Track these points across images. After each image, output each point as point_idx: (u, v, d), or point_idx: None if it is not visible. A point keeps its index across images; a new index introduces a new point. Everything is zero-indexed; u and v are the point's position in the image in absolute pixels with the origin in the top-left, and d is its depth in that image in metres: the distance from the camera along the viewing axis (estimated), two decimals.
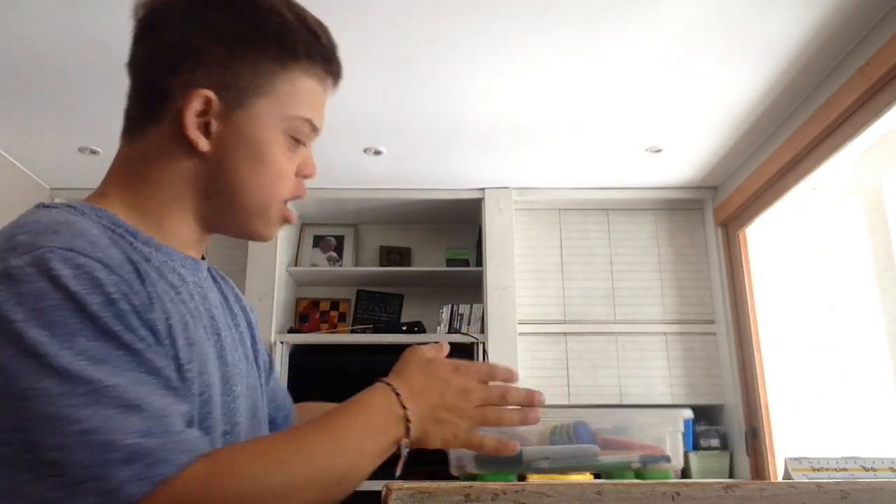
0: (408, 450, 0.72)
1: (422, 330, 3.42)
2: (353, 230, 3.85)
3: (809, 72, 2.51)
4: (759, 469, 3.06)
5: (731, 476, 3.23)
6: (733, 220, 3.37)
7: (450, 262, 3.68)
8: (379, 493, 0.54)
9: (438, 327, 3.48)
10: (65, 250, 0.62)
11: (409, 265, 3.78)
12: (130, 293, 0.65)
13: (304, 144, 0.82)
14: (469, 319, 3.47)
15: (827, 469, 0.64)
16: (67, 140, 3.06)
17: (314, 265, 3.73)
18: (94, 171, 3.43)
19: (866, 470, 0.64)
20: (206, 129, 0.75)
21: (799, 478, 0.62)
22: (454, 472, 0.83)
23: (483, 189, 3.54)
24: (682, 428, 0.86)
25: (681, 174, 3.38)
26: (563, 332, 3.44)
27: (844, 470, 0.64)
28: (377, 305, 3.77)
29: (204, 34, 0.75)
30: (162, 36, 0.76)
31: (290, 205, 0.84)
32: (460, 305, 3.52)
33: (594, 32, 2.31)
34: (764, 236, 3.26)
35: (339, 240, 3.81)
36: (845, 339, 2.64)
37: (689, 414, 0.89)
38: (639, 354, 3.40)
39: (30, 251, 0.62)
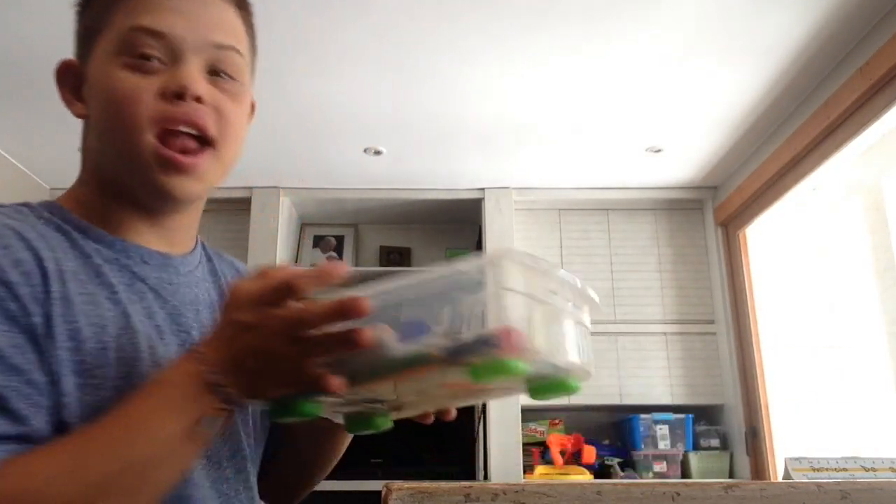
0: (233, 411, 0.62)
1: None
2: (353, 230, 3.85)
3: (809, 72, 2.51)
4: (759, 469, 3.06)
5: (731, 476, 3.23)
6: (733, 220, 3.37)
7: None
8: (379, 493, 0.54)
9: None
10: None
11: (409, 265, 3.78)
12: (8, 298, 0.63)
13: (160, 61, 0.71)
14: (469, 319, 3.47)
15: (827, 469, 0.64)
16: (67, 140, 3.04)
17: (314, 265, 3.72)
18: None
19: (866, 470, 0.64)
20: (80, 96, 0.77)
21: (799, 478, 0.62)
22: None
23: (483, 189, 3.54)
24: (507, 281, 0.56)
25: (681, 174, 3.38)
26: None
27: (844, 470, 0.64)
28: None
29: (77, 18, 0.80)
30: None
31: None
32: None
33: (594, 32, 2.31)
34: (764, 236, 3.26)
35: (339, 240, 3.81)
36: (845, 339, 2.64)
37: (554, 268, 0.63)
38: (639, 354, 3.40)
39: None
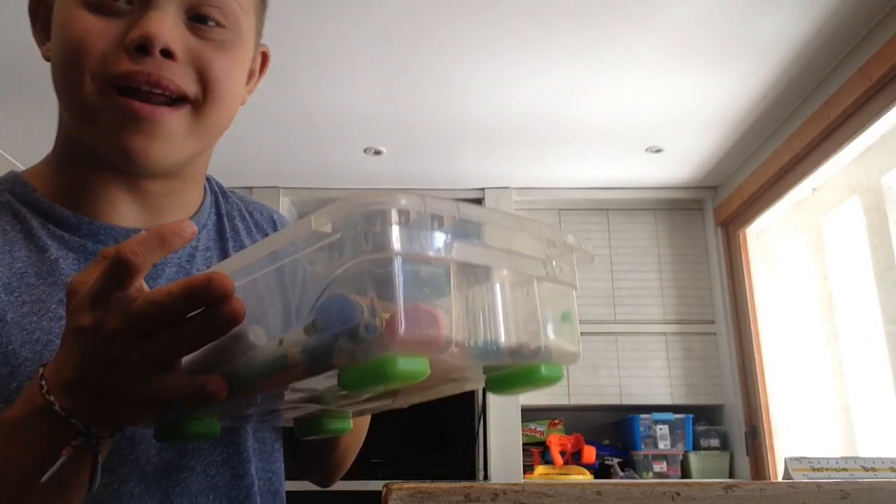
0: (89, 444, 0.47)
1: None
2: None
3: (809, 72, 2.51)
4: (759, 469, 3.06)
5: (731, 476, 3.23)
6: (733, 220, 3.37)
7: None
8: (379, 493, 0.54)
9: None
10: None
11: None
12: None
13: (120, 7, 0.60)
14: None
15: (827, 469, 0.64)
16: None
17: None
18: None
19: (866, 470, 0.64)
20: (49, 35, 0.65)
21: (799, 478, 0.62)
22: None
23: (483, 189, 3.54)
24: (393, 244, 0.38)
25: (681, 174, 3.38)
26: None
27: (844, 470, 0.64)
28: None
29: None
30: None
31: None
32: None
33: (594, 33, 2.31)
34: (764, 236, 3.26)
35: None
36: (845, 339, 2.64)
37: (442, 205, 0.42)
38: (639, 354, 3.40)
39: None
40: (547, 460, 3.23)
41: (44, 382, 0.46)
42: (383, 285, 0.38)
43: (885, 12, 2.19)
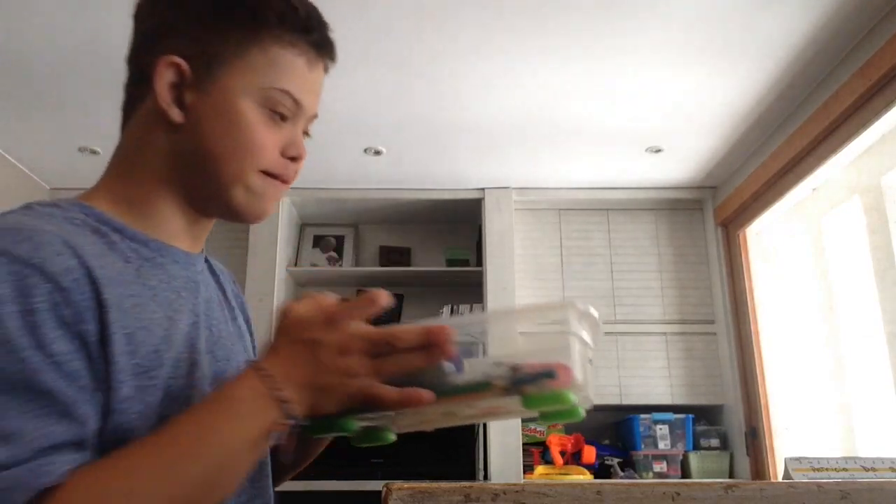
0: (296, 425, 0.64)
1: None
2: (353, 230, 3.85)
3: (809, 72, 2.51)
4: (759, 469, 3.06)
5: (731, 476, 3.23)
6: (733, 220, 3.37)
7: (450, 262, 3.68)
8: (379, 493, 0.54)
9: None
10: (1, 254, 0.62)
11: (409, 265, 3.78)
12: (63, 304, 0.62)
13: (287, 120, 0.78)
14: None
15: (827, 469, 0.64)
16: (67, 140, 3.06)
17: (314, 265, 3.73)
18: (94, 171, 3.40)
19: (866, 470, 0.64)
20: (180, 102, 0.75)
21: (799, 478, 0.62)
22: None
23: (483, 189, 3.54)
24: (572, 327, 0.64)
25: (681, 174, 3.38)
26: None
27: (844, 470, 0.64)
28: None
29: (176, 12, 0.77)
30: (143, 23, 0.79)
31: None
32: (460, 305, 3.52)
33: (594, 32, 2.31)
34: (764, 236, 3.26)
35: (339, 240, 3.81)
36: (845, 339, 2.64)
37: (585, 308, 0.67)
38: (639, 354, 3.40)
39: None
40: (547, 460, 3.23)
41: (270, 375, 0.64)
42: (564, 351, 0.64)
43: (885, 12, 2.19)
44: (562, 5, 2.18)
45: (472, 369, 0.66)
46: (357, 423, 0.68)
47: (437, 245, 3.84)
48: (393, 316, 3.70)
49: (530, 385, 0.62)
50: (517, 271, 3.46)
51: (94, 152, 3.15)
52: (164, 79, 0.74)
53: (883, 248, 2.42)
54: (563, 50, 2.40)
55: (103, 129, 2.94)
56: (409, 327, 0.65)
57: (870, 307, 2.47)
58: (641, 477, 3.22)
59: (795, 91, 2.64)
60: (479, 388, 0.64)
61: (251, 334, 0.93)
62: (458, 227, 3.86)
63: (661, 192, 3.54)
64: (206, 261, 0.89)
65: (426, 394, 0.64)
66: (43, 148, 3.14)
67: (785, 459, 0.65)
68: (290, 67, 0.77)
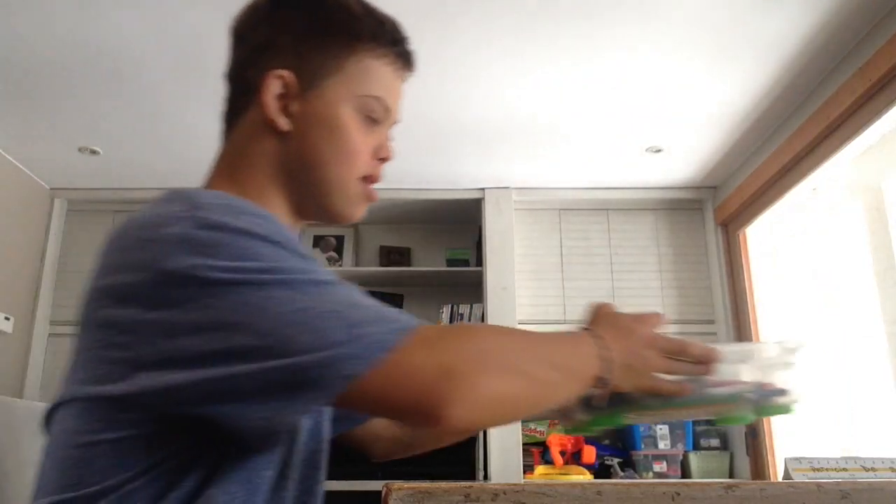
0: (607, 385, 0.76)
1: None
2: (353, 230, 3.85)
3: (809, 72, 2.51)
4: (759, 469, 3.06)
5: (731, 476, 3.23)
6: (733, 220, 3.37)
7: (450, 262, 3.68)
8: (379, 493, 0.54)
9: None
10: (235, 202, 0.72)
11: (409, 265, 3.78)
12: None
13: (379, 124, 0.86)
14: (469, 319, 3.47)
15: (827, 469, 0.64)
16: (67, 140, 3.06)
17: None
18: (94, 171, 3.44)
19: (866, 470, 0.64)
20: (285, 111, 0.82)
21: (799, 478, 0.62)
22: (563, 424, 0.86)
23: (483, 189, 3.54)
24: (794, 360, 0.86)
25: (681, 174, 3.38)
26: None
27: (844, 470, 0.64)
28: None
29: (279, 29, 0.84)
30: (245, 40, 0.86)
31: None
32: (460, 305, 3.51)
33: (594, 32, 2.31)
34: (764, 236, 3.26)
35: (339, 240, 3.81)
36: (845, 339, 2.64)
37: (801, 343, 0.87)
38: None
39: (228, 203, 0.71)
40: (547, 460, 3.22)
41: (602, 338, 0.77)
42: (786, 375, 0.86)
43: (885, 12, 2.19)
44: (562, 5, 2.18)
45: (722, 385, 0.86)
46: (625, 418, 0.84)
47: (437, 245, 3.83)
48: None
49: (767, 399, 0.83)
50: (517, 271, 3.46)
51: (94, 152, 3.14)
52: (270, 91, 0.81)
53: (883, 248, 2.42)
54: (564, 50, 2.40)
55: (103, 129, 2.94)
56: (696, 343, 0.82)
57: (870, 307, 2.47)
58: (641, 477, 3.22)
59: (795, 91, 2.64)
60: (731, 399, 0.83)
61: None
62: (458, 227, 3.86)
63: (661, 192, 3.54)
64: None
65: (689, 387, 0.81)
66: (43, 148, 3.14)
67: (785, 459, 0.65)
68: (381, 76, 0.86)
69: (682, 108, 2.76)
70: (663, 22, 2.25)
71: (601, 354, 0.75)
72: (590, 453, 3.20)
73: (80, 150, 3.13)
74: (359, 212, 0.88)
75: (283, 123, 0.82)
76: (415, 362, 0.63)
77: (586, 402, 0.82)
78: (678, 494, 0.46)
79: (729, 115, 2.81)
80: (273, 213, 0.81)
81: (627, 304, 3.33)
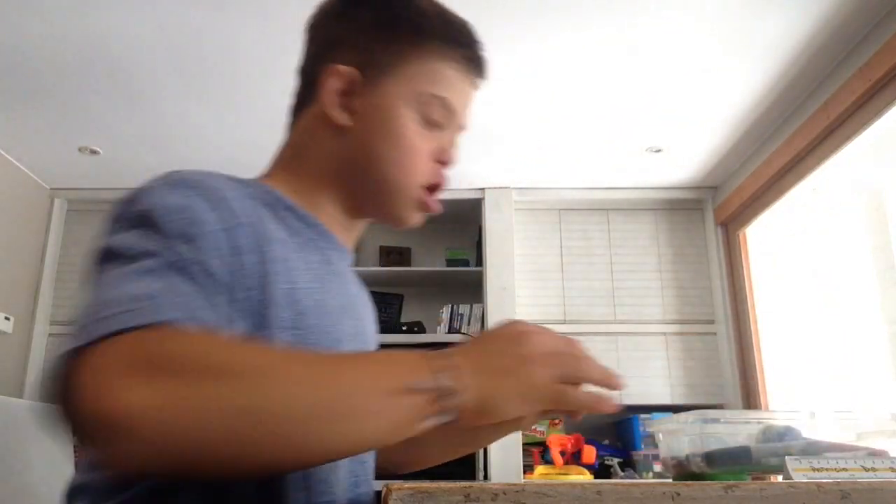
0: (454, 411, 0.59)
1: (422, 330, 3.41)
2: None
3: (809, 72, 2.51)
4: None
5: None
6: (733, 220, 3.37)
7: (450, 262, 3.68)
8: (379, 493, 0.54)
9: (438, 327, 3.48)
10: (184, 176, 0.70)
11: (409, 265, 3.78)
12: (230, 232, 0.68)
13: (441, 127, 0.83)
14: (469, 319, 3.47)
15: (827, 469, 0.64)
16: (67, 140, 3.06)
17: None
18: (94, 171, 3.44)
19: (866, 470, 0.64)
20: (348, 107, 0.82)
21: (799, 478, 0.62)
22: (670, 472, 0.80)
23: (483, 189, 3.54)
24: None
25: (681, 174, 3.38)
26: (562, 332, 3.43)
27: (844, 470, 0.64)
28: (377, 305, 3.73)
29: (346, 26, 0.84)
30: (315, 36, 0.87)
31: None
32: (460, 305, 3.51)
33: (594, 33, 2.31)
34: (764, 236, 3.26)
35: None
36: (845, 339, 2.64)
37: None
38: (639, 354, 3.40)
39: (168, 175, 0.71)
40: (547, 460, 3.22)
41: (438, 357, 0.60)
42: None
43: (885, 12, 2.19)
44: (562, 5, 2.18)
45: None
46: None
47: (437, 245, 3.83)
48: (393, 315, 3.70)
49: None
50: (517, 271, 3.46)
51: (94, 152, 3.14)
52: (330, 86, 0.81)
53: (883, 248, 2.43)
54: (563, 50, 2.40)
55: (103, 129, 2.94)
56: (598, 364, 0.69)
57: (870, 307, 2.47)
58: (641, 477, 3.22)
59: (795, 91, 2.64)
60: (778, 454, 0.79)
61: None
62: (458, 227, 3.86)
63: (661, 192, 3.54)
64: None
65: (609, 402, 0.68)
66: (43, 148, 3.14)
67: (785, 459, 0.65)
68: (444, 76, 0.83)
69: (682, 108, 2.77)
70: (664, 22, 2.25)
71: (437, 379, 0.58)
72: (590, 453, 3.20)
73: (80, 150, 3.13)
74: (414, 219, 0.86)
75: (341, 118, 0.81)
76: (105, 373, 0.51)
77: (709, 456, 0.75)
78: (678, 494, 0.46)
79: (729, 115, 2.81)
80: (325, 208, 0.83)
81: (627, 304, 3.34)
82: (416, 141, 0.81)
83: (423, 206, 0.84)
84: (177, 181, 0.69)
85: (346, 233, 0.87)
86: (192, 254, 0.63)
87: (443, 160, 0.84)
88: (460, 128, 0.87)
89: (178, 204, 0.66)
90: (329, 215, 0.84)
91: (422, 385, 0.57)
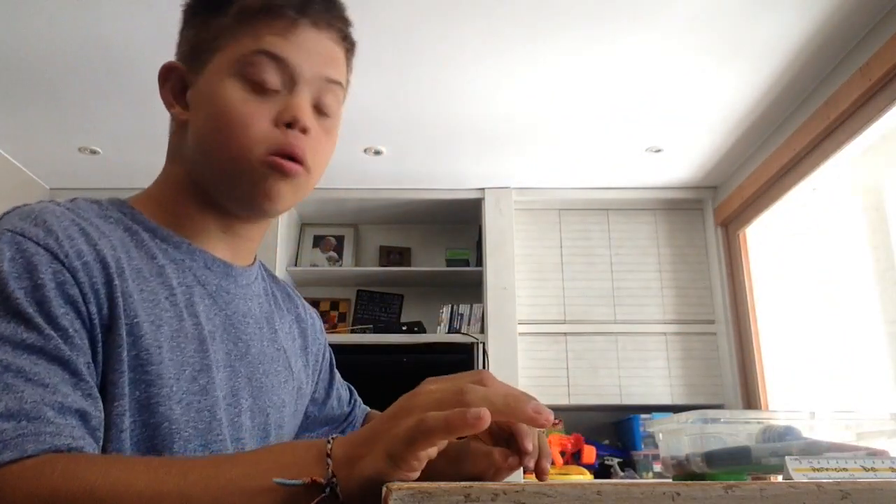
0: (331, 486, 0.53)
1: (422, 330, 3.42)
2: (353, 230, 3.85)
3: (809, 72, 2.51)
4: None
5: None
6: (733, 220, 3.37)
7: (450, 262, 3.68)
8: (379, 493, 0.54)
9: (438, 327, 3.48)
10: (15, 233, 0.65)
11: (409, 265, 3.78)
12: (68, 284, 0.64)
13: (275, 85, 0.75)
14: (469, 319, 3.47)
15: (827, 469, 0.64)
16: (67, 140, 3.06)
17: (314, 265, 3.73)
18: (94, 171, 3.44)
19: (866, 470, 0.64)
20: (183, 102, 0.79)
21: (799, 478, 0.62)
22: (670, 472, 0.79)
23: (483, 189, 3.54)
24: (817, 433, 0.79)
25: (681, 174, 3.38)
26: (563, 332, 3.44)
27: (844, 470, 0.64)
28: (377, 305, 3.77)
29: (182, 26, 0.82)
30: None
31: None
32: (460, 305, 3.52)
33: (594, 33, 2.31)
34: (764, 236, 3.26)
35: (339, 240, 3.81)
36: (845, 339, 2.64)
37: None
38: (639, 354, 3.40)
39: None
40: None
41: (329, 440, 0.56)
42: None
43: (885, 12, 2.19)
44: (562, 5, 2.18)
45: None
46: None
47: (437, 245, 3.84)
48: (393, 316, 3.70)
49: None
50: (517, 271, 3.46)
51: (94, 152, 3.14)
52: (167, 85, 0.80)
53: (883, 248, 2.42)
54: (564, 50, 2.40)
55: (103, 129, 2.94)
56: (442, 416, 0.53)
57: (870, 307, 2.47)
58: (641, 477, 3.22)
59: (795, 91, 2.64)
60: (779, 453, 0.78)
61: (307, 363, 0.93)
62: (458, 227, 3.86)
63: (661, 192, 3.54)
64: (265, 280, 0.90)
65: (474, 414, 0.51)
66: (43, 148, 3.14)
67: (785, 459, 0.65)
68: (257, 31, 0.75)
69: (682, 108, 2.77)
70: (664, 22, 2.25)
71: (316, 451, 0.55)
72: (590, 453, 3.20)
73: (80, 150, 3.13)
74: (274, 191, 0.75)
75: (178, 112, 0.79)
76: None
77: (709, 456, 0.76)
78: (678, 494, 0.46)
79: (729, 115, 2.81)
80: (194, 219, 0.79)
81: (627, 304, 3.34)
82: (244, 108, 0.74)
83: (279, 171, 0.74)
84: (19, 230, 0.65)
85: (228, 243, 0.81)
86: (42, 331, 0.61)
87: (284, 120, 0.74)
88: (319, 82, 0.78)
89: (15, 269, 0.63)
90: (202, 228, 0.79)
91: (288, 481, 0.53)
